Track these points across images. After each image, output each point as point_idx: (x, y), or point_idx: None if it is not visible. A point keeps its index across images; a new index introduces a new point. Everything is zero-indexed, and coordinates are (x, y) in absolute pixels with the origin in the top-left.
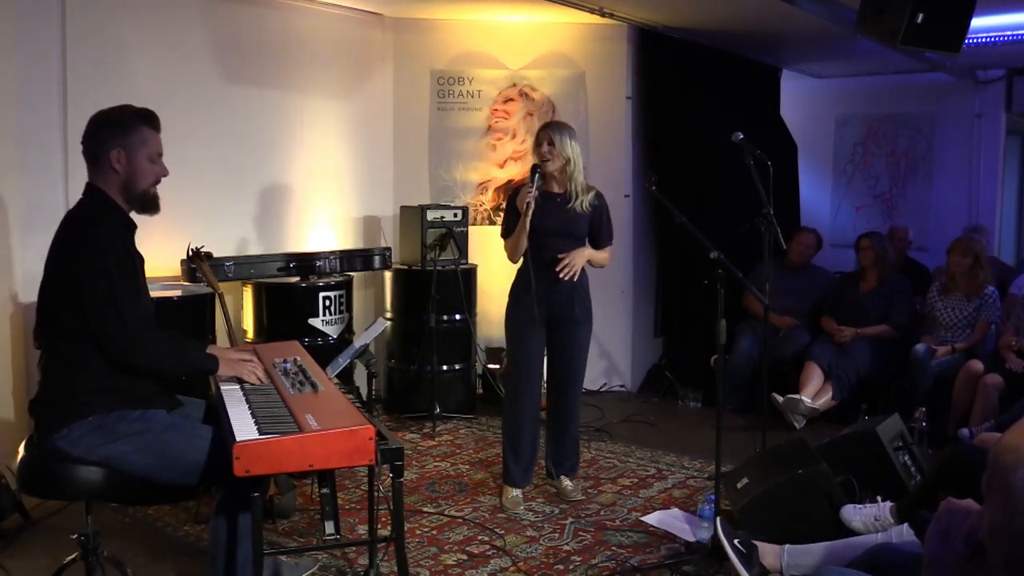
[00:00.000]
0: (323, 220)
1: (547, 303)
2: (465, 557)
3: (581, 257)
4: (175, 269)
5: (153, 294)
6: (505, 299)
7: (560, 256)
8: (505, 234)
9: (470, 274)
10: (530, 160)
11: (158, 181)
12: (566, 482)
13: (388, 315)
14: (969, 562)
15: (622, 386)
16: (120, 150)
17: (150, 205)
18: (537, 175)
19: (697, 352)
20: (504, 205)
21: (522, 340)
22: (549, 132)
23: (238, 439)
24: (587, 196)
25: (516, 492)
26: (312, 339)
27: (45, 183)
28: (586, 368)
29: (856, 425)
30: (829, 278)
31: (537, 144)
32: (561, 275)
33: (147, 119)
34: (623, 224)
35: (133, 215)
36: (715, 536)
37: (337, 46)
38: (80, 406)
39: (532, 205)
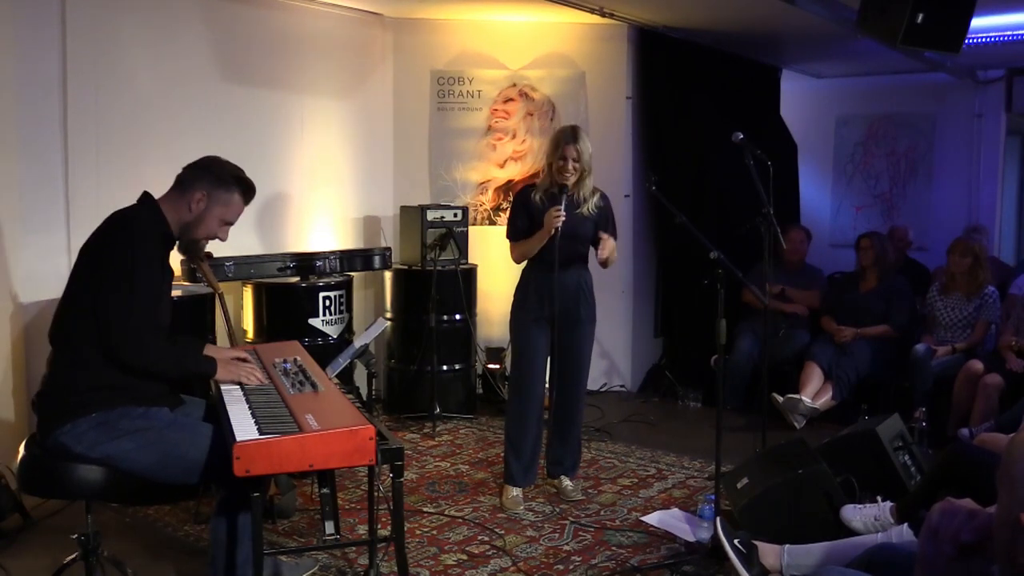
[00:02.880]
0: (323, 220)
1: (553, 303)
2: (465, 557)
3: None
4: (175, 269)
5: None
6: (504, 299)
7: (602, 251)
8: (513, 237)
9: (470, 274)
10: (531, 160)
11: (212, 237)
12: (566, 482)
13: (388, 315)
14: (957, 562)
15: (622, 386)
16: (204, 195)
17: (192, 252)
18: (565, 197)
19: (697, 352)
20: (502, 205)
21: (528, 339)
22: (576, 146)
23: (238, 439)
24: (593, 199)
25: (517, 491)
26: (312, 339)
27: (45, 183)
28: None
29: (856, 425)
30: (825, 278)
31: (562, 157)
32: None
33: (245, 188)
34: (623, 224)
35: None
36: (715, 536)
37: (337, 46)
38: (84, 402)
39: (559, 230)
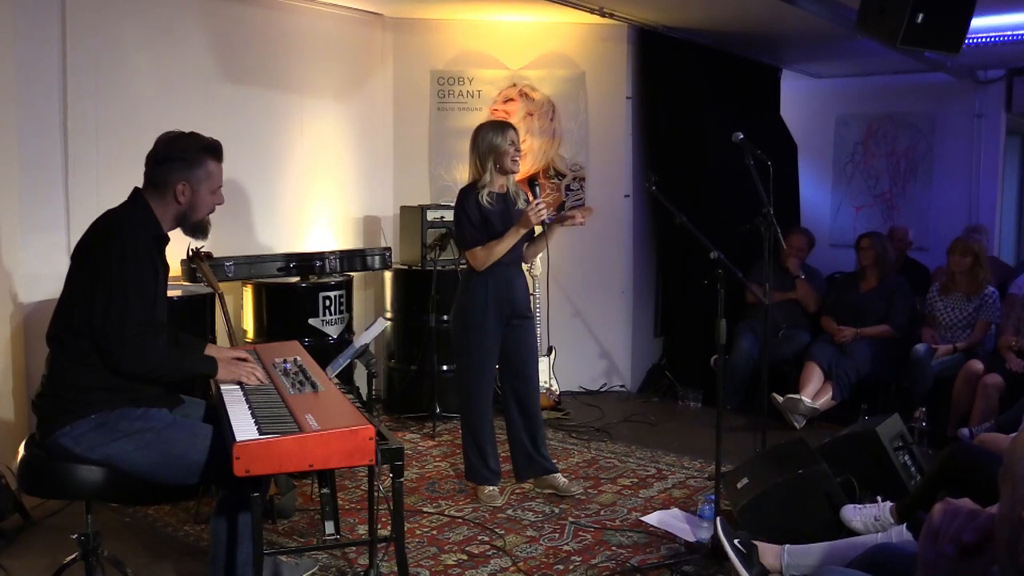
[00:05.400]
0: (323, 220)
1: (508, 301)
2: (465, 557)
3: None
4: (175, 269)
5: None
6: None
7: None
8: (475, 242)
9: None
10: (531, 160)
11: (213, 210)
12: (560, 479)
13: (388, 315)
14: (958, 563)
15: (622, 386)
16: (185, 184)
17: (202, 232)
18: (538, 188)
19: (697, 352)
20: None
21: (490, 339)
22: (518, 134)
23: (238, 439)
24: (521, 194)
25: (492, 488)
26: (312, 339)
27: (45, 183)
28: None
29: (856, 425)
30: (824, 278)
31: (511, 143)
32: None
33: (214, 152)
34: (623, 224)
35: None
36: (715, 536)
37: (337, 46)
38: (84, 403)
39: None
